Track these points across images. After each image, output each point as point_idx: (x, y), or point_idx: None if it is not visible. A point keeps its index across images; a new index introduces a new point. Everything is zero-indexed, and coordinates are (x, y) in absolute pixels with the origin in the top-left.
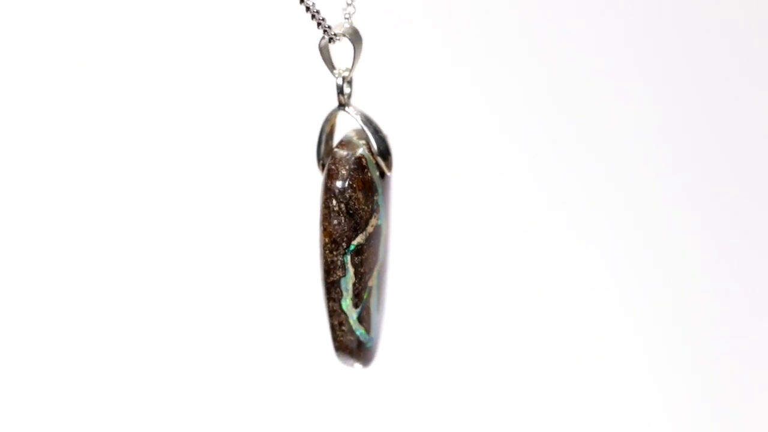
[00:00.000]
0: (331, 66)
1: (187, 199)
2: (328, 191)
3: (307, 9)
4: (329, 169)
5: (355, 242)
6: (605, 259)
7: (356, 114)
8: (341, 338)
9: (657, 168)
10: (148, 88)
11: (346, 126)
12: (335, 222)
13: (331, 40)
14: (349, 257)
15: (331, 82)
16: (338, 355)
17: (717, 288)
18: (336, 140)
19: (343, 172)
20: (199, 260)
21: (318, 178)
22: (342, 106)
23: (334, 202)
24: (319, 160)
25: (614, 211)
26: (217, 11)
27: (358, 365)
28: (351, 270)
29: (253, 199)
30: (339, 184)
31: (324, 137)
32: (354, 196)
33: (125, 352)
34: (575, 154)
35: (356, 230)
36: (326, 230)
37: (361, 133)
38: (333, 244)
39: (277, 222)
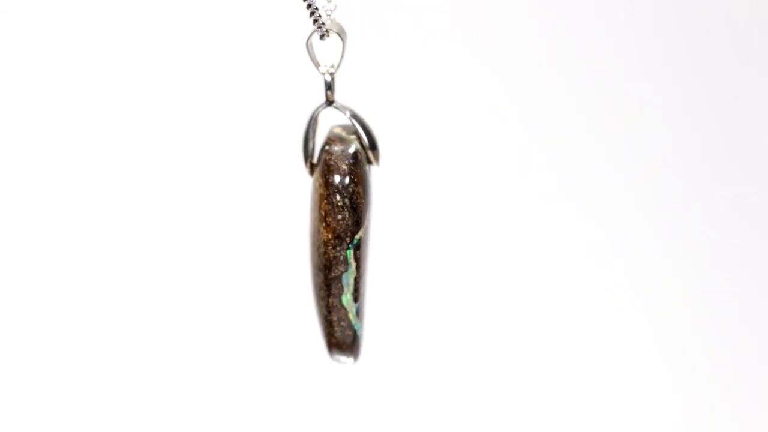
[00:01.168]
0: (316, 63)
1: (165, 196)
2: (331, 187)
3: (309, 6)
4: (329, 165)
5: (357, 236)
6: (600, 258)
7: (344, 109)
8: (338, 334)
9: (664, 165)
10: (130, 86)
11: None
12: (339, 217)
13: (322, 36)
14: (351, 252)
15: (301, 80)
16: (333, 352)
17: (723, 286)
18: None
19: (344, 167)
20: (179, 256)
21: (302, 175)
22: (330, 102)
23: (338, 197)
24: (307, 157)
25: (611, 208)
26: (196, 11)
27: (349, 360)
28: (353, 264)
29: (231, 198)
30: (342, 179)
31: (312, 134)
32: (356, 190)
33: (110, 349)
34: (571, 149)
35: (358, 224)
36: (329, 226)
37: (348, 129)
38: (336, 239)
39: (257, 220)
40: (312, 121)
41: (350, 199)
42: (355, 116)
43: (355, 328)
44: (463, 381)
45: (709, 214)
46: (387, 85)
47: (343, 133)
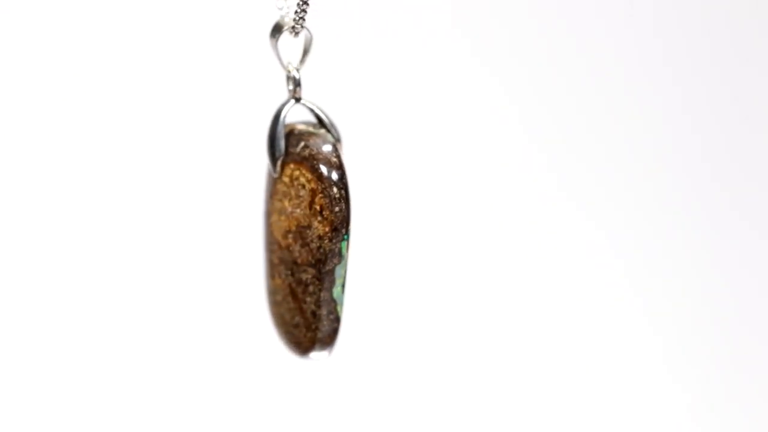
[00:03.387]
0: (282, 61)
1: (117, 196)
2: (327, 180)
3: (304, 2)
4: (319, 159)
5: (349, 227)
6: (600, 258)
7: (313, 106)
8: (325, 328)
9: (664, 165)
10: (91, 84)
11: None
12: (337, 209)
13: (297, 33)
14: (345, 243)
15: (244, 79)
16: (315, 349)
17: (723, 285)
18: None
19: (334, 159)
20: (131, 255)
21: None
22: (297, 99)
23: (335, 189)
24: (278, 156)
25: (611, 209)
26: (151, 9)
27: (324, 355)
28: (346, 255)
29: (184, 199)
30: (335, 172)
31: (282, 132)
32: (347, 181)
33: (68, 349)
34: (571, 149)
35: (349, 215)
36: (326, 219)
37: (309, 124)
38: (333, 231)
39: (213, 220)
40: (282, 119)
41: (345, 190)
42: (323, 111)
43: (341, 319)
44: (462, 382)
45: (710, 213)
46: (387, 83)
47: (311, 128)
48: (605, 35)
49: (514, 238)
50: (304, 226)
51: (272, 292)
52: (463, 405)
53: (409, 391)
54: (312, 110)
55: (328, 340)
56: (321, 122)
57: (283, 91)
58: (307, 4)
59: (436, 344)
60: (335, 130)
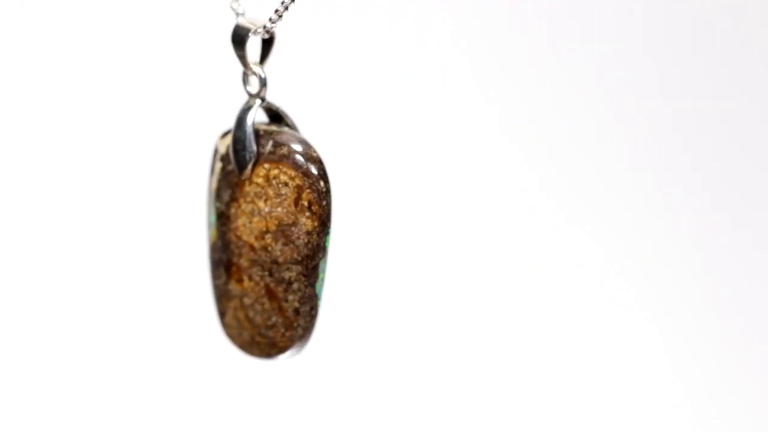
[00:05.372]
0: (247, 62)
1: (69, 200)
2: (312, 176)
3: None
4: (300, 156)
5: (332, 221)
6: (598, 262)
7: (276, 105)
8: (307, 325)
9: (660, 169)
10: (57, 84)
11: None
12: (324, 203)
13: (268, 33)
14: (329, 237)
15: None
16: (292, 347)
17: (723, 286)
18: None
19: (314, 154)
20: (84, 259)
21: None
22: (263, 99)
23: (322, 183)
24: (250, 159)
25: (610, 210)
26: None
27: (293, 352)
28: (329, 249)
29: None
30: (316, 167)
31: (253, 134)
32: (328, 175)
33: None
34: (569, 150)
35: (331, 209)
36: (315, 214)
37: (270, 124)
38: (321, 226)
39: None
40: (252, 122)
41: (329, 183)
42: (284, 111)
43: (319, 315)
44: (459, 387)
45: (710, 212)
46: (387, 84)
47: (273, 127)
48: (599, 37)
49: (514, 241)
50: (287, 224)
51: (237, 296)
52: (440, 398)
53: (382, 385)
54: (276, 110)
55: (306, 336)
56: (283, 121)
57: (205, 92)
58: (293, 1)
59: (431, 347)
60: (297, 128)
